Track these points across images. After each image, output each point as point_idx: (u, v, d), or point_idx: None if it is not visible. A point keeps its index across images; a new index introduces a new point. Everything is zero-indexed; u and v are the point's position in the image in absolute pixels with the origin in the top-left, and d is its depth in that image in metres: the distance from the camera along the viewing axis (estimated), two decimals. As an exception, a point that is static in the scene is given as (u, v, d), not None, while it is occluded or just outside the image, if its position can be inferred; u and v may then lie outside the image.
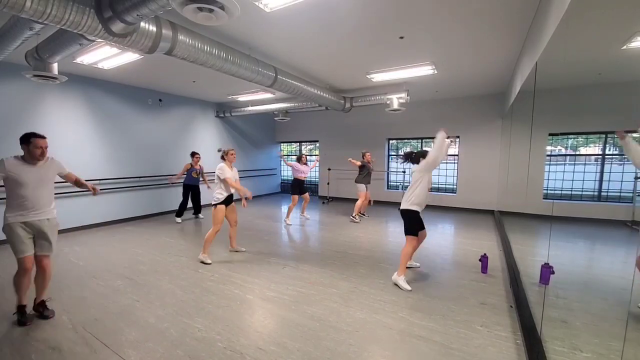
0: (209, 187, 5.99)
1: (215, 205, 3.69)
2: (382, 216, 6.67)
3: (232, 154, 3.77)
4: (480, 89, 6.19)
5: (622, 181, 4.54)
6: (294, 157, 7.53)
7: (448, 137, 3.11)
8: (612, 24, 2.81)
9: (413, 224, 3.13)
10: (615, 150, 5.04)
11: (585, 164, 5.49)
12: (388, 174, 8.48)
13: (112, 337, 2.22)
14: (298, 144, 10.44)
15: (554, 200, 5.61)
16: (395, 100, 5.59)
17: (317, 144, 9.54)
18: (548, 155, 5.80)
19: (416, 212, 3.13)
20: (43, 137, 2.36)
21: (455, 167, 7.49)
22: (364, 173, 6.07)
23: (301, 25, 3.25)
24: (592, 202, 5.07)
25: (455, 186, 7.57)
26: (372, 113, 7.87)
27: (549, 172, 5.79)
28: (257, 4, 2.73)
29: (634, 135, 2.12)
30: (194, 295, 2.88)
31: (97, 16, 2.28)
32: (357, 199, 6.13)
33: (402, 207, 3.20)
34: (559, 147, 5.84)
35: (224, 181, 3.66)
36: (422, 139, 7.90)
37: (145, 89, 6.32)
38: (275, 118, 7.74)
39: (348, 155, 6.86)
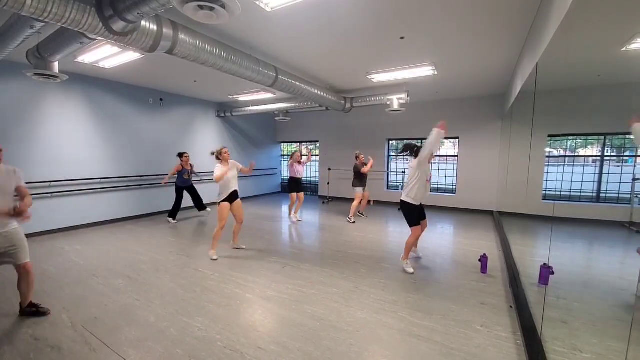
0: (199, 179, 5.99)
1: (219, 202, 3.83)
2: (382, 216, 6.68)
3: (225, 152, 3.83)
4: (480, 90, 6.20)
5: (620, 182, 4.55)
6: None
7: (445, 137, 3.16)
8: (612, 25, 2.82)
9: (410, 217, 3.50)
10: (614, 152, 5.06)
11: (584, 165, 5.50)
12: (388, 174, 8.48)
13: (111, 336, 2.21)
14: (298, 144, 10.44)
15: (554, 202, 5.61)
16: (396, 100, 5.59)
17: (318, 144, 9.55)
18: (547, 157, 5.80)
19: (412, 206, 3.44)
20: None
21: (455, 168, 7.50)
22: (359, 176, 6.02)
23: (302, 25, 3.25)
24: (591, 203, 5.08)
25: (454, 187, 7.57)
26: (372, 113, 7.87)
27: (547, 173, 5.80)
28: (258, 3, 2.73)
29: None
30: (195, 295, 2.88)
31: (98, 15, 2.29)
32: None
33: (401, 197, 3.58)
34: (559, 149, 5.85)
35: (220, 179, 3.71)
36: (422, 139, 7.90)
37: (146, 88, 6.31)
38: (276, 118, 7.75)
39: (348, 155, 6.84)
